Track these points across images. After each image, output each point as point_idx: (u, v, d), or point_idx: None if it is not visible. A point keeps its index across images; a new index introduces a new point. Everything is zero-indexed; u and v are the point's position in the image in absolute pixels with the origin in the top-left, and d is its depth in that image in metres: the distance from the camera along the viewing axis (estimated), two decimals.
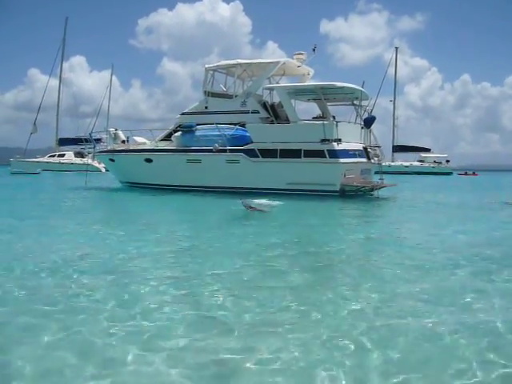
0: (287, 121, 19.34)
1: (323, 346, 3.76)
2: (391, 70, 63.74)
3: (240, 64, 21.25)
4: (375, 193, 19.29)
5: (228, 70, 22.07)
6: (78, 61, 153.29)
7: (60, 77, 55.41)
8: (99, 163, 40.80)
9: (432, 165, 59.28)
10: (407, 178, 37.67)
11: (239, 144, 19.17)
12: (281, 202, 13.36)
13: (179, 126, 20.87)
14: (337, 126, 18.42)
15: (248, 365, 3.44)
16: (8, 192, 21.73)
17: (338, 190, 18.05)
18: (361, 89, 19.63)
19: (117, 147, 22.55)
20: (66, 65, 56.91)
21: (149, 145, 22.14)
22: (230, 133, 19.34)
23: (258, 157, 18.91)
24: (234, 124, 19.56)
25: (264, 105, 20.52)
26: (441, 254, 7.57)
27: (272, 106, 20.74)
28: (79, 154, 49.70)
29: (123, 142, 22.93)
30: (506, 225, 11.70)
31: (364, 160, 19.39)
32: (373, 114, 20.70)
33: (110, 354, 3.59)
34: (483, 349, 3.73)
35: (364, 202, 17.35)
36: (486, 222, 12.22)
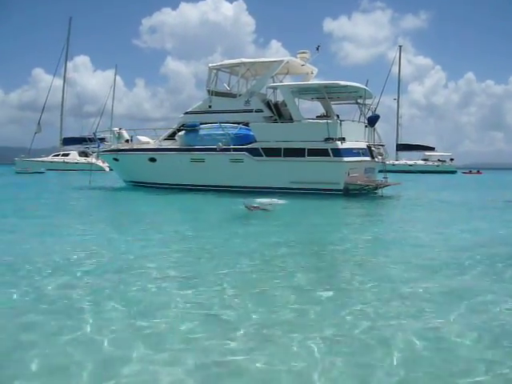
0: (291, 120, 19.32)
1: (326, 345, 3.76)
2: (395, 69, 63.67)
3: (244, 63, 21.25)
4: (379, 191, 19.25)
5: (232, 69, 22.06)
6: (82, 60, 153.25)
7: (64, 76, 55.71)
8: (103, 162, 40.96)
9: (436, 163, 59.15)
10: (411, 177, 37.57)
11: (243, 143, 19.16)
12: (284, 201, 13.37)
13: (183, 125, 20.86)
14: (341, 124, 18.38)
15: (252, 365, 3.43)
16: (12, 191, 21.82)
17: (341, 188, 18.02)
18: (364, 87, 19.59)
19: (121, 146, 22.58)
20: (70, 64, 57.21)
21: (152, 144, 22.17)
22: (234, 132, 19.33)
23: (262, 156, 18.89)
24: (238, 123, 19.55)
25: (268, 104, 20.50)
26: (446, 252, 7.55)
27: (276, 104, 20.72)
28: (83, 154, 49.84)
29: (127, 141, 22.95)
30: (510, 223, 11.65)
31: (368, 159, 19.35)
32: (377, 112, 20.68)
33: (115, 353, 3.60)
34: (489, 349, 3.72)
35: (368, 200, 17.33)
36: (490, 220, 12.18)
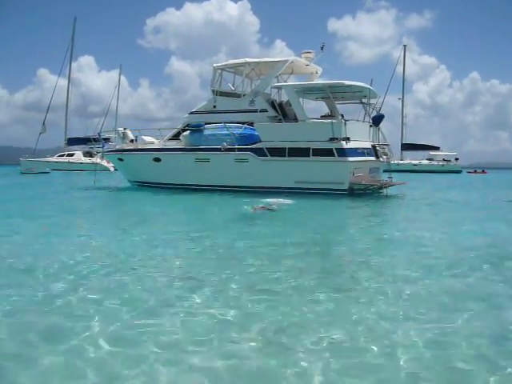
0: (295, 119, 19.30)
1: (333, 346, 3.75)
2: (399, 68, 63.40)
3: (248, 63, 21.23)
4: (384, 191, 19.21)
5: (236, 68, 22.05)
6: (86, 61, 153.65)
7: (69, 77, 55.71)
8: (108, 162, 40.99)
9: (441, 163, 58.91)
10: (416, 177, 37.46)
11: (247, 143, 19.16)
12: (291, 201, 13.36)
13: (187, 125, 20.87)
14: (345, 124, 18.34)
15: (259, 366, 3.43)
16: (18, 191, 21.91)
17: (346, 188, 17.98)
18: (369, 87, 19.55)
19: (125, 146, 22.60)
20: (74, 65, 57.21)
21: (157, 144, 22.19)
22: (239, 132, 19.33)
23: (267, 156, 18.88)
24: (243, 123, 19.54)
25: (272, 103, 20.49)
26: (451, 252, 7.52)
27: (280, 104, 20.71)
28: (88, 154, 49.93)
29: (132, 141, 22.97)
30: None
31: (373, 158, 19.31)
32: (381, 112, 20.58)
33: (121, 353, 3.61)
34: (495, 351, 3.70)
35: (373, 200, 17.29)
36: (496, 220, 12.11)
